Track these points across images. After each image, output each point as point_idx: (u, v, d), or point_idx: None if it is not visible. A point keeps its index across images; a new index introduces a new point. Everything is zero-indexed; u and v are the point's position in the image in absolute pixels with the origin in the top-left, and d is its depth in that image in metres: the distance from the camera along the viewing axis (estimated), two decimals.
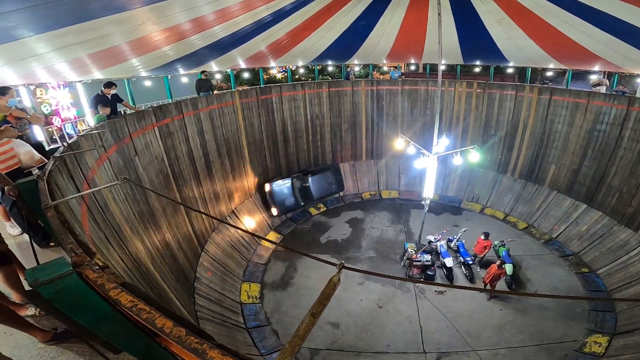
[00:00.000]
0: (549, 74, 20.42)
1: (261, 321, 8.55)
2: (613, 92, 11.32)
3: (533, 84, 14.18)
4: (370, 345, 7.91)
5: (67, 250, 1.87)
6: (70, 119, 9.79)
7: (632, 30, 7.61)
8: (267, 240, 2.91)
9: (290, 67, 16.12)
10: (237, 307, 8.86)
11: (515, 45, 11.22)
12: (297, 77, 25.03)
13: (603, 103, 11.03)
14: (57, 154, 4.13)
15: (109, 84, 7.59)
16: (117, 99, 7.88)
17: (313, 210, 13.86)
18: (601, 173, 11.15)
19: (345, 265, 1.65)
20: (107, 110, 7.05)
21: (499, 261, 8.87)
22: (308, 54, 13.31)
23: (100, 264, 1.64)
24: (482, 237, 10.07)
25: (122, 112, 8.11)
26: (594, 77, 13.85)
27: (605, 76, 13.83)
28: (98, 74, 8.40)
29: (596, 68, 11.99)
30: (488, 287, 8.93)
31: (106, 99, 7.47)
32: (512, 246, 10.69)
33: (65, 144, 5.06)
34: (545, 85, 15.11)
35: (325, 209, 14.08)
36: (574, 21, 8.34)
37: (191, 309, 7.26)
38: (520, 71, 17.62)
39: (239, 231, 11.23)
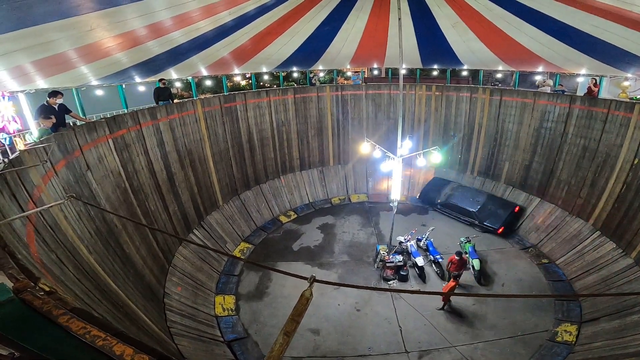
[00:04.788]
0: (499, 75, 21.82)
1: (239, 333, 8.26)
2: (553, 92, 12.32)
3: (485, 86, 15.05)
4: (353, 349, 7.87)
5: (7, 276, 1.66)
6: (21, 131, 9.08)
7: (571, 32, 8.25)
8: (234, 257, 2.77)
9: (254, 73, 15.92)
10: (213, 320, 8.51)
11: (468, 49, 11.84)
12: (261, 83, 24.72)
13: (548, 102, 11.95)
14: None
15: (54, 93, 6.99)
16: (64, 109, 7.28)
17: (283, 218, 13.66)
18: (550, 168, 12.03)
19: (320, 274, 1.58)
20: (49, 123, 6.48)
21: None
22: (272, 61, 13.18)
23: (47, 289, 1.44)
24: (456, 257, 9.06)
25: (71, 124, 7.53)
26: (538, 78, 15.01)
27: (548, 77, 15.05)
28: (42, 83, 7.72)
29: (540, 69, 12.98)
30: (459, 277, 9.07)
31: (52, 110, 6.87)
32: (477, 242, 11.18)
33: (5, 160, 4.59)
34: (496, 87, 16.12)
35: (295, 216, 13.94)
36: (520, 24, 8.93)
37: (164, 326, 6.85)
38: (474, 74, 18.66)
39: (208, 244, 10.82)
